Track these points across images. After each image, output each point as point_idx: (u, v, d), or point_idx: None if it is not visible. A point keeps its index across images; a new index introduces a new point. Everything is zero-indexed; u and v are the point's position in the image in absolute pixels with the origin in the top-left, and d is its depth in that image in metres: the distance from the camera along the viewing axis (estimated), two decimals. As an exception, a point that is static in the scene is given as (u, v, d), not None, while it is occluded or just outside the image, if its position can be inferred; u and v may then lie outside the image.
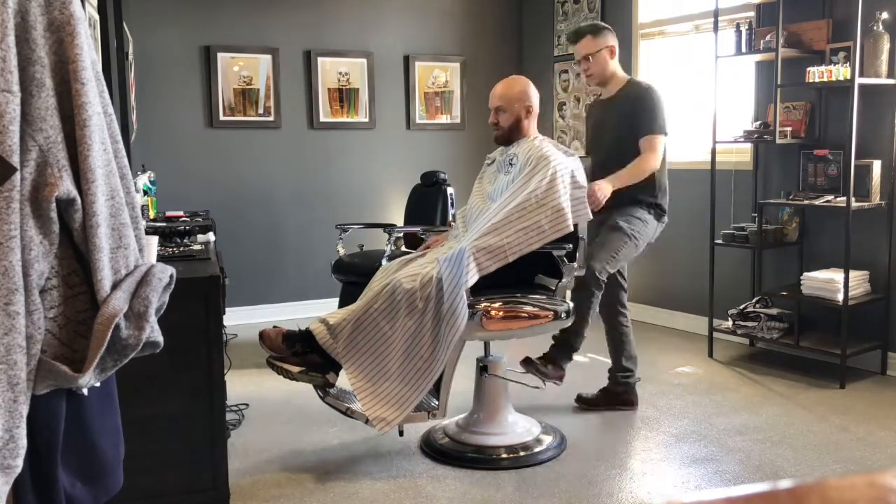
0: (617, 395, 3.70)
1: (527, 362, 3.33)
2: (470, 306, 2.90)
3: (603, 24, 3.64)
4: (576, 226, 3.10)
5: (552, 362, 3.37)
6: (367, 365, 2.98)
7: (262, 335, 3.11)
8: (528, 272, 3.26)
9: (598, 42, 3.56)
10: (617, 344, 3.70)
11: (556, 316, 3.08)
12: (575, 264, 3.13)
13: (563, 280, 3.11)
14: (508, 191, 3.10)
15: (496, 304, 3.00)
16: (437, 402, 3.09)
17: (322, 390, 3.11)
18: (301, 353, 3.06)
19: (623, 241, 3.46)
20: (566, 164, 3.09)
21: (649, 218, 3.55)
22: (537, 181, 3.02)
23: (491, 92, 3.33)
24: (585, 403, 3.73)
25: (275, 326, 3.21)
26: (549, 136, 3.68)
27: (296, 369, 3.04)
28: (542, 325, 3.08)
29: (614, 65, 3.61)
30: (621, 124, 3.54)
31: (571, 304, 3.17)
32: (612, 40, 3.59)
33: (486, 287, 2.97)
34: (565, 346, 3.40)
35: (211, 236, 3.37)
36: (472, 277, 2.86)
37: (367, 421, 2.94)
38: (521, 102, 3.25)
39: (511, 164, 3.24)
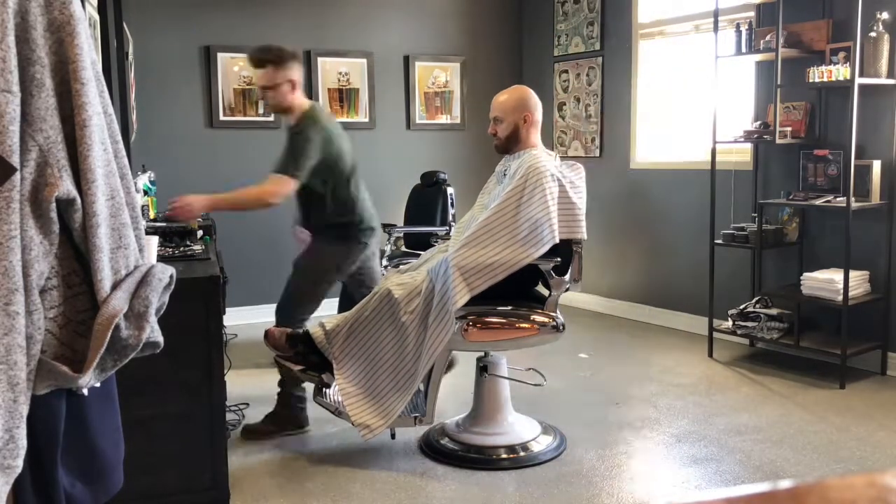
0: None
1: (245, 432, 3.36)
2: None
3: (289, 51, 3.38)
4: (570, 239, 3.08)
5: (284, 419, 3.40)
6: (356, 371, 3.07)
7: (267, 334, 3.23)
8: (525, 283, 3.24)
9: (279, 74, 3.30)
10: None
11: (542, 329, 3.06)
12: (565, 278, 3.11)
13: (552, 294, 3.10)
14: (494, 202, 3.08)
15: (478, 317, 3.00)
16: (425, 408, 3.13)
17: (318, 389, 3.19)
18: (303, 353, 3.17)
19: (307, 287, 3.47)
20: (555, 175, 3.03)
21: (332, 251, 3.49)
22: (517, 191, 2.98)
23: (492, 101, 3.26)
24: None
25: (278, 325, 3.31)
26: (549, 137, 3.67)
27: (297, 368, 3.17)
28: (525, 337, 3.09)
29: (294, 97, 3.37)
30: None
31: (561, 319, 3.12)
32: (295, 72, 3.35)
33: (480, 297, 2.96)
34: (290, 397, 3.43)
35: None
36: (463, 298, 2.87)
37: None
38: (518, 112, 3.15)
39: (505, 175, 3.22)
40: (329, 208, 3.47)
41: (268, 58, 3.32)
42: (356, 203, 3.52)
